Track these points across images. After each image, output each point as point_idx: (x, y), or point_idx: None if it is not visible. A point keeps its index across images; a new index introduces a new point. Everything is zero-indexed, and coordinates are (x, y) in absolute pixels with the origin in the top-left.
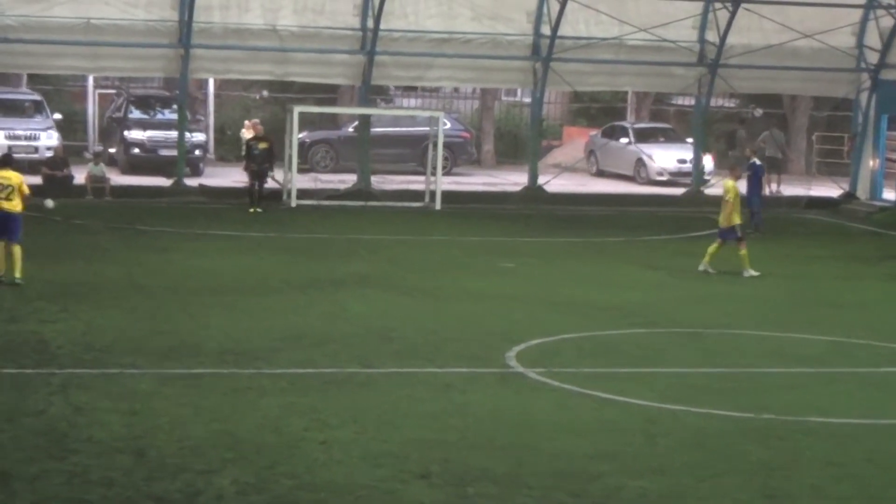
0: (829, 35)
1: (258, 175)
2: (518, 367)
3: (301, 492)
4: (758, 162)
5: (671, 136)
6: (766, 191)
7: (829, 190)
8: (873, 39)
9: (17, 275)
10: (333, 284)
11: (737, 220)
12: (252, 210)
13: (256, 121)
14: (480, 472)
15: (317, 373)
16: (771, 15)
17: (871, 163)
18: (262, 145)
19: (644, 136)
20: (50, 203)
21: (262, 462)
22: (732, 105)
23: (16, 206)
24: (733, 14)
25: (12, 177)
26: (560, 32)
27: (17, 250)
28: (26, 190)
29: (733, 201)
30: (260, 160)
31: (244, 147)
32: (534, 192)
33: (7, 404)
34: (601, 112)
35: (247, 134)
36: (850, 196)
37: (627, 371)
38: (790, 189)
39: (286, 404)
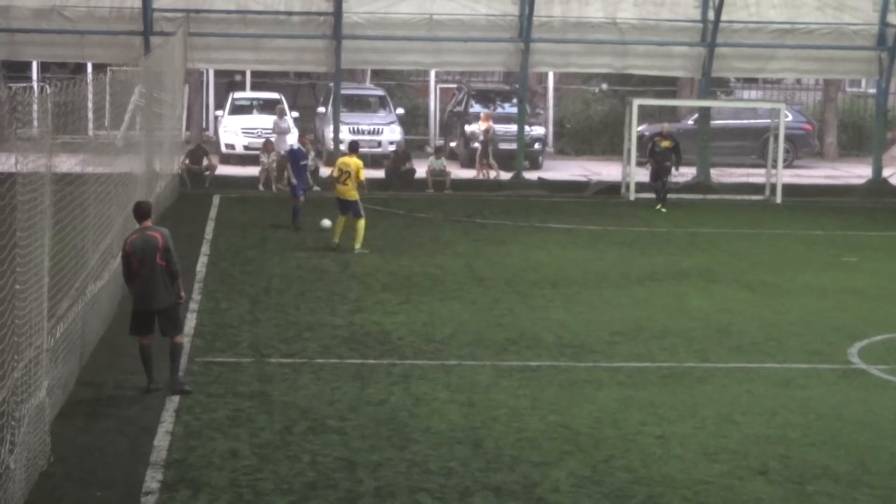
0: None
1: (660, 173)
2: (861, 363)
3: (637, 486)
4: None
5: None
6: None
7: None
8: None
9: (357, 246)
10: (673, 278)
11: None
12: (658, 207)
13: (488, 112)
14: (821, 470)
15: (655, 367)
16: None
17: None
18: (665, 143)
19: None
20: (326, 223)
21: (599, 455)
22: None
23: (349, 191)
24: None
25: (351, 163)
26: None
27: (360, 224)
28: (362, 177)
29: None
30: (661, 158)
31: (648, 145)
32: (878, 184)
33: (350, 393)
34: None
35: (482, 125)
36: None
37: None
38: None
39: (623, 398)
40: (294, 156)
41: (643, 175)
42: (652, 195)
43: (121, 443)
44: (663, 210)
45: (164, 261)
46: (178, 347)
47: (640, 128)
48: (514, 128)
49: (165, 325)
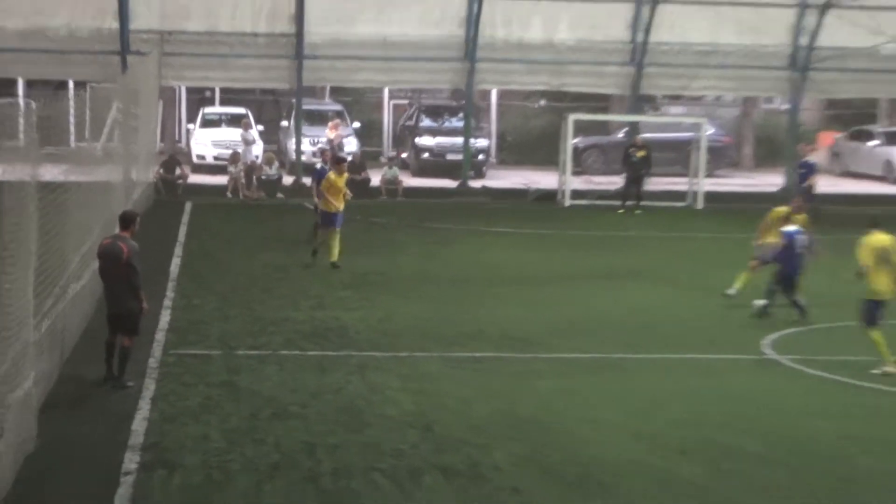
0: None
1: (635, 181)
2: (773, 354)
3: (570, 465)
4: (811, 160)
5: None
6: None
7: None
8: None
9: (334, 259)
10: (605, 277)
11: None
12: (621, 211)
13: (338, 121)
14: (735, 451)
15: (588, 357)
16: None
17: None
18: (640, 153)
19: (891, 139)
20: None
21: (538, 439)
22: None
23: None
24: None
25: (338, 181)
26: (818, 43)
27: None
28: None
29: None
30: (638, 166)
31: (624, 153)
32: (789, 192)
33: (311, 382)
34: (854, 118)
35: (329, 133)
36: None
37: (877, 360)
38: None
39: (560, 386)
40: (319, 175)
41: (578, 183)
42: (586, 201)
43: (101, 428)
44: (637, 212)
45: (124, 272)
46: (126, 349)
47: (575, 140)
48: (460, 140)
49: (122, 326)
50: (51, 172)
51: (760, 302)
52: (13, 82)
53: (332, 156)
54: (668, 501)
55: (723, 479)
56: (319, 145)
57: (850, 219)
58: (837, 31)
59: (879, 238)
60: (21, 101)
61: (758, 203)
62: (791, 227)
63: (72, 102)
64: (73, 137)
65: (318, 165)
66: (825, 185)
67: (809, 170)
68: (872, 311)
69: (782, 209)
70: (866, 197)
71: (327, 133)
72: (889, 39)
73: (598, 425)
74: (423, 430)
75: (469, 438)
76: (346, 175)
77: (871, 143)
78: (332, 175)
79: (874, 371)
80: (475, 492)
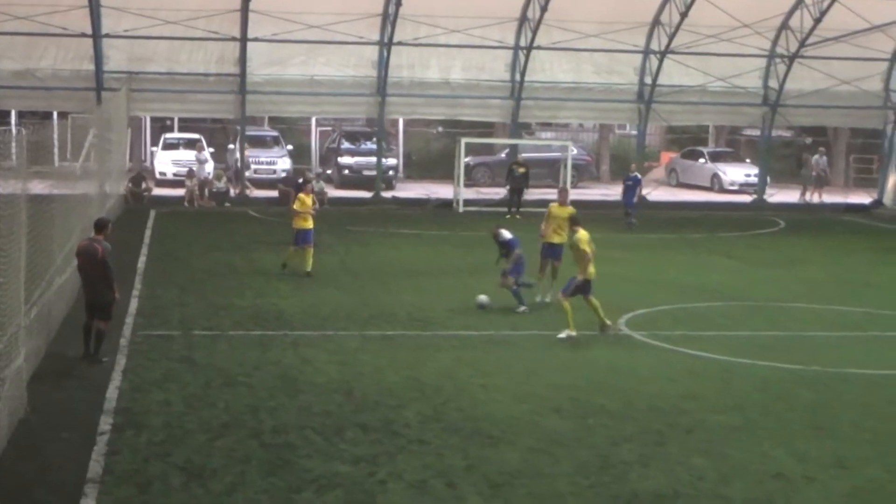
0: (862, 81)
1: (517, 191)
2: (628, 330)
3: (467, 421)
4: (638, 175)
5: (734, 157)
6: (815, 199)
7: (863, 198)
8: None
9: (308, 268)
10: (492, 270)
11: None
12: (509, 217)
13: (200, 145)
14: (599, 408)
15: (479, 334)
16: (819, 67)
17: (893, 178)
18: (521, 170)
19: (714, 158)
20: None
21: (438, 400)
22: (789, 135)
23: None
24: (789, 67)
25: (307, 199)
26: (659, 81)
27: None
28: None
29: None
30: (519, 181)
31: (508, 169)
32: (640, 200)
33: (255, 357)
34: (689, 140)
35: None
36: (878, 203)
37: (710, 334)
38: (832, 198)
39: (456, 357)
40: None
41: (469, 194)
42: (476, 208)
43: (81, 396)
44: (518, 217)
45: (100, 267)
46: (101, 332)
47: (467, 159)
48: (374, 159)
49: (97, 312)
50: (38, 187)
51: (483, 297)
52: (7, 113)
53: (295, 182)
54: (546, 450)
55: (589, 432)
56: (188, 167)
57: (683, 221)
58: (675, 72)
59: (584, 233)
60: (13, 128)
61: (613, 210)
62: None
63: (56, 129)
64: (56, 158)
65: (301, 180)
66: (665, 194)
67: (635, 182)
68: (579, 286)
69: (557, 206)
70: (697, 204)
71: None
72: (714, 79)
73: (488, 389)
74: (346, 395)
75: (383, 400)
76: (311, 196)
77: (701, 161)
78: (302, 196)
79: (560, 336)
80: (389, 444)
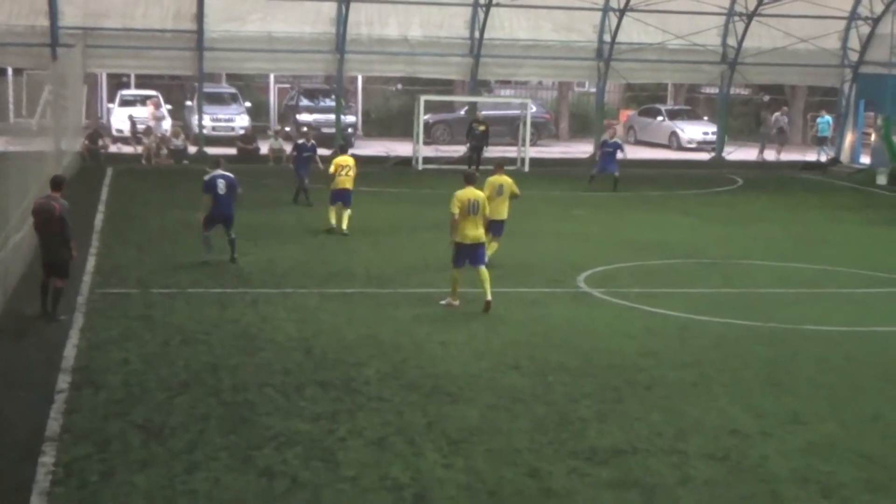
0: (820, 40)
1: (477, 149)
2: (586, 288)
3: (426, 379)
4: (619, 140)
5: (692, 115)
6: (775, 157)
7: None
8: (854, 43)
9: (345, 228)
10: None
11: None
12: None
13: (156, 100)
14: (558, 365)
15: (437, 292)
16: (777, 25)
17: (851, 136)
18: (481, 128)
19: (672, 115)
20: None
21: (397, 357)
22: (747, 93)
23: (349, 181)
24: (748, 24)
25: (350, 160)
26: (618, 39)
27: (349, 212)
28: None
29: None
30: (479, 139)
31: (468, 127)
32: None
33: (213, 315)
34: (648, 98)
35: (150, 113)
36: (835, 161)
37: (667, 291)
38: (790, 156)
39: (415, 315)
40: (299, 149)
41: (428, 152)
42: (435, 166)
43: (38, 355)
44: (477, 175)
45: (57, 225)
46: (58, 289)
47: (426, 116)
48: (333, 117)
49: (54, 270)
50: None
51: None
52: None
53: (309, 145)
54: (505, 407)
55: (548, 389)
56: (142, 125)
57: (641, 179)
58: (634, 30)
59: (469, 192)
60: None
61: (572, 167)
62: (215, 174)
63: (11, 86)
64: (12, 114)
65: (301, 141)
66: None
67: (615, 148)
68: (458, 254)
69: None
70: (655, 161)
71: (150, 112)
72: (673, 37)
73: (446, 346)
74: (305, 352)
75: (342, 358)
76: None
77: (659, 118)
78: (345, 158)
79: (442, 302)
80: (348, 401)
